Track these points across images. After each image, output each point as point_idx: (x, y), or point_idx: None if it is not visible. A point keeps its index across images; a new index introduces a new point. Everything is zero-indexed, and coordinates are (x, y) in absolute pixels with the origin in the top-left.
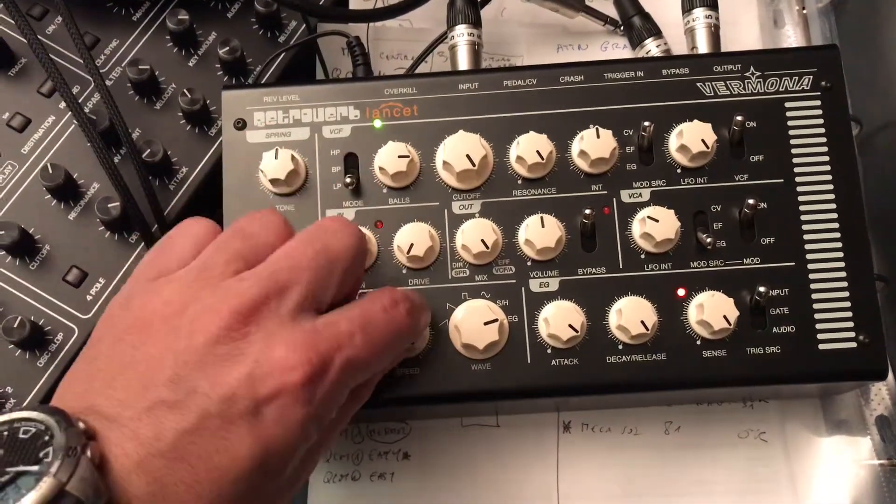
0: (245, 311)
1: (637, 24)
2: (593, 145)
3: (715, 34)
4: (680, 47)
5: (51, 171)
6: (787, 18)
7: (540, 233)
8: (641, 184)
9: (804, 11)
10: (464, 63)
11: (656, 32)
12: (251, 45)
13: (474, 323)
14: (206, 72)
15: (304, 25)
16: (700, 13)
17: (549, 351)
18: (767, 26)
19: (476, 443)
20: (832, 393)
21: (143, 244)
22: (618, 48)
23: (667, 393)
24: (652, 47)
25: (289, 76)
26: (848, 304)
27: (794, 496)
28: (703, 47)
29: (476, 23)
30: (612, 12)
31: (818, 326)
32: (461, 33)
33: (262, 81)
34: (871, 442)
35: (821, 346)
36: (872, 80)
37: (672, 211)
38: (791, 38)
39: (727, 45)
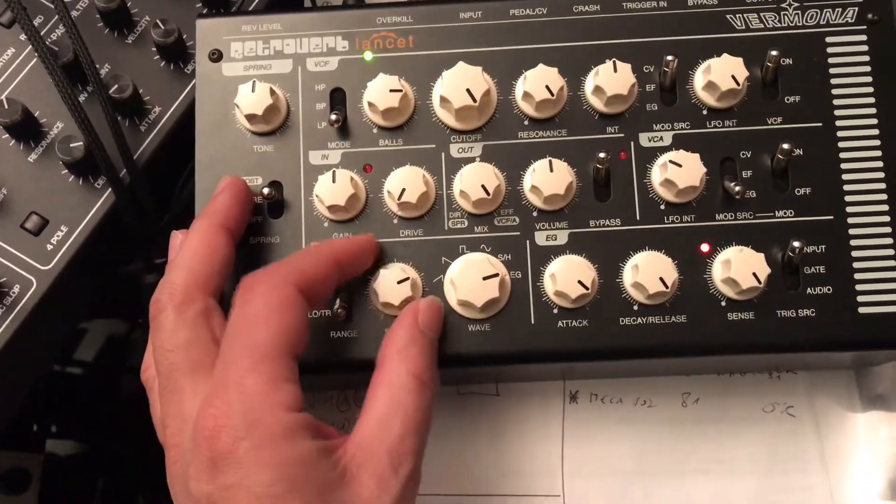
0: None
1: None
2: (610, 80)
3: None
4: None
5: (7, 107)
6: None
7: (548, 178)
8: (663, 126)
9: None
10: None
11: None
12: None
13: (472, 278)
14: (185, 1)
15: None
16: None
17: (555, 311)
18: None
19: (474, 413)
20: (868, 363)
21: (109, 190)
22: None
23: (686, 360)
24: None
25: (276, 4)
26: (893, 262)
27: (824, 476)
28: None
29: None
30: None
31: (858, 288)
32: None
33: (250, 9)
34: None
35: (861, 310)
36: None
37: (697, 155)
38: None
39: None
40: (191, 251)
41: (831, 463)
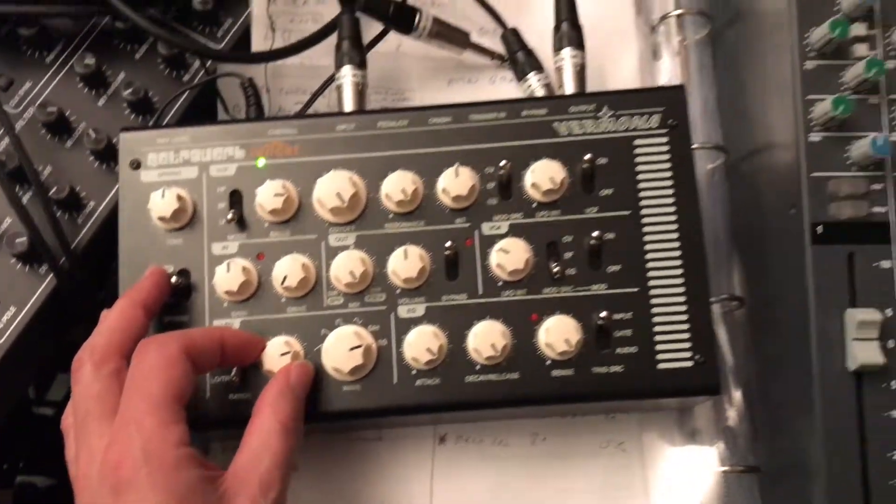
0: None
1: (521, 60)
2: (453, 183)
3: (580, 73)
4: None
5: None
6: (664, 51)
7: (403, 264)
8: (501, 217)
9: (685, 42)
10: (348, 102)
11: (538, 67)
12: (158, 85)
13: (340, 349)
14: (116, 110)
15: (203, 66)
16: (566, 53)
17: (413, 372)
18: (647, 58)
19: (360, 455)
20: (686, 406)
21: (51, 275)
22: (505, 81)
23: (526, 408)
24: (534, 81)
25: (192, 115)
26: (686, 326)
27: (647, 502)
28: (569, 85)
29: (361, 64)
30: (500, 47)
31: (658, 347)
32: (346, 74)
33: (165, 120)
34: (718, 450)
35: (660, 366)
36: (740, 110)
37: (523, 242)
38: (668, 69)
39: (608, 78)
40: (111, 322)
41: (653, 490)
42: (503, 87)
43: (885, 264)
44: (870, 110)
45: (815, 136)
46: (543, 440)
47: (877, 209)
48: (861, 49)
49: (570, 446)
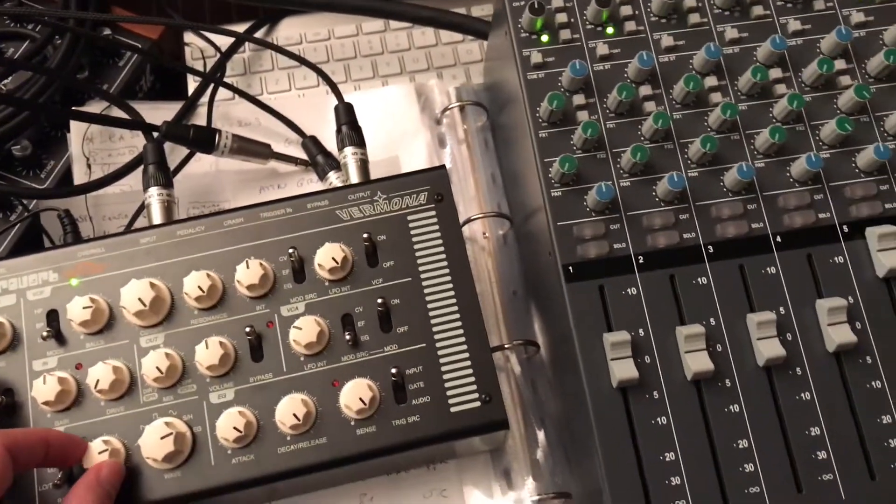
0: None
1: (321, 162)
2: (245, 274)
3: (363, 166)
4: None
5: None
6: (449, 139)
7: (205, 354)
8: (297, 298)
9: (466, 129)
10: (157, 218)
11: (336, 166)
12: None
13: (153, 438)
14: None
15: (24, 207)
16: (349, 151)
17: (228, 451)
18: (434, 147)
19: None
20: (494, 445)
21: None
22: (312, 182)
23: (347, 470)
24: (334, 179)
25: (22, 248)
26: (470, 371)
27: None
28: (353, 177)
29: (167, 184)
30: (303, 153)
31: (448, 393)
32: (152, 194)
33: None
34: (529, 484)
35: (452, 409)
36: (518, 182)
37: (314, 318)
38: (454, 153)
39: (404, 166)
40: None
41: None
42: (310, 188)
43: (632, 290)
44: (597, 163)
45: (557, 192)
46: (371, 499)
47: (617, 245)
48: (583, 115)
49: (396, 501)
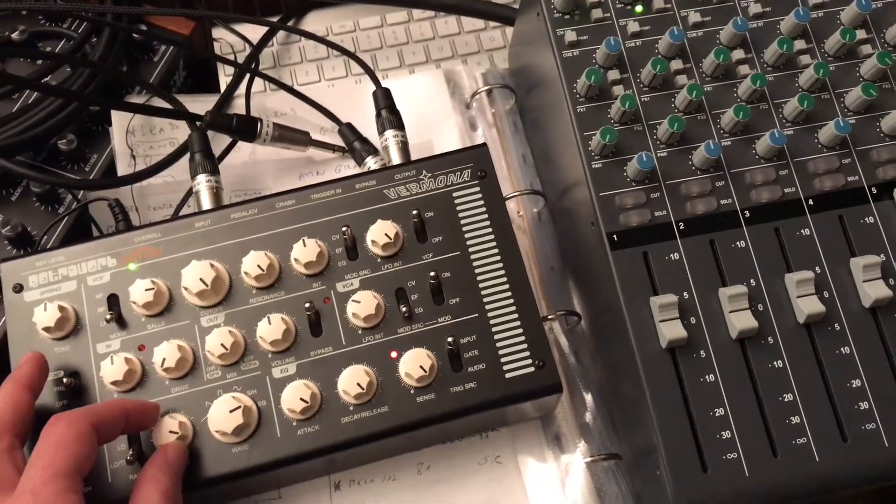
0: None
1: (357, 147)
2: (302, 253)
3: (404, 148)
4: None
5: None
6: (479, 122)
7: (268, 329)
8: (352, 275)
9: (496, 112)
10: (206, 204)
11: (373, 151)
12: (34, 220)
13: (221, 413)
14: None
15: (74, 197)
16: (389, 134)
17: (294, 423)
18: (466, 130)
19: None
20: (545, 410)
21: None
22: (349, 168)
23: (405, 438)
24: (371, 163)
25: (72, 238)
26: (523, 338)
27: (527, 502)
28: (395, 159)
29: (213, 171)
30: (340, 141)
31: (503, 360)
32: (200, 181)
33: (48, 246)
34: (580, 446)
35: (507, 375)
36: (550, 161)
37: (370, 292)
38: (486, 136)
39: (436, 150)
40: (1, 404)
41: (532, 493)
42: (347, 173)
43: (675, 256)
44: (635, 135)
45: (597, 164)
46: (427, 468)
47: (658, 213)
48: (619, 89)
49: (452, 468)
